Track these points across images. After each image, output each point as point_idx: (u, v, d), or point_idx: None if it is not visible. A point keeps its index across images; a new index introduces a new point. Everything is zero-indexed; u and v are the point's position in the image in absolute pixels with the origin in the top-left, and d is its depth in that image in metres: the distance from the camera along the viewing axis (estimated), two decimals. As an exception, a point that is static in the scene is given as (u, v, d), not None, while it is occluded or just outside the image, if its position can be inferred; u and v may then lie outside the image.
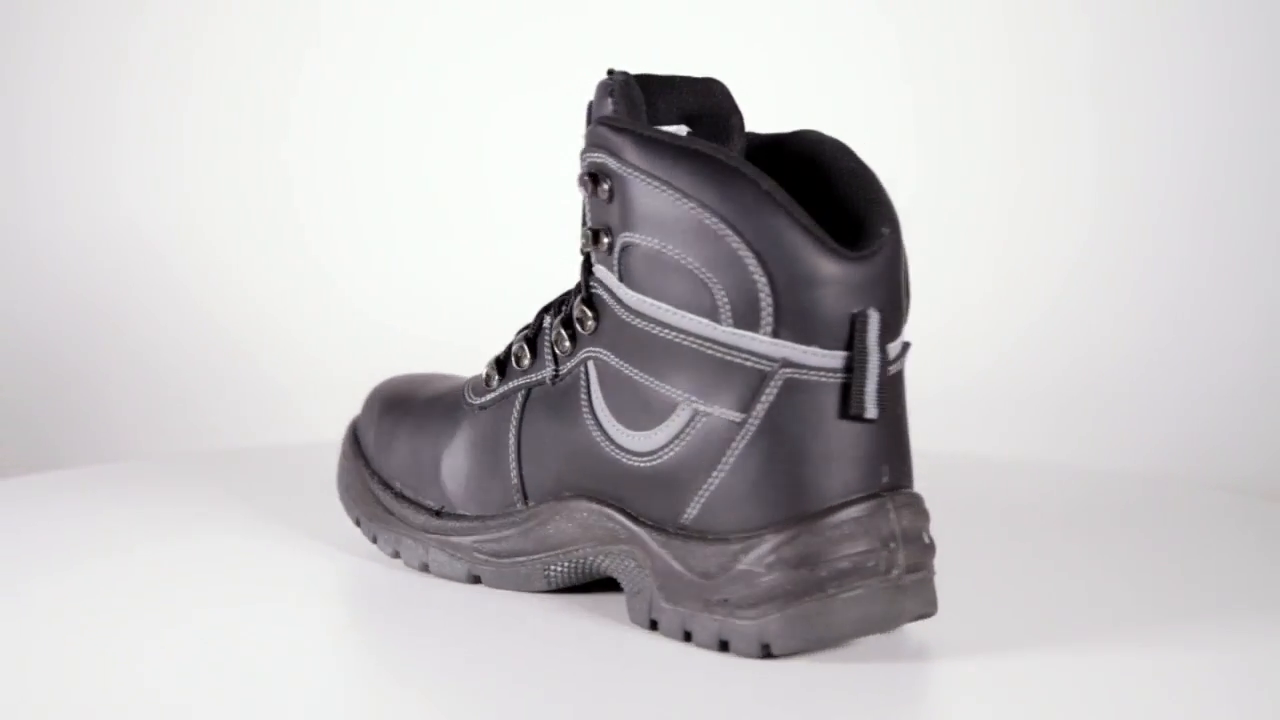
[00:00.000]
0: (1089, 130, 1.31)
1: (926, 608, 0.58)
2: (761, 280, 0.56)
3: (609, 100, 0.60)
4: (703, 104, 0.61)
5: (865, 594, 0.56)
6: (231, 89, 1.36)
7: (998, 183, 1.32)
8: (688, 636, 0.58)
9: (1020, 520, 0.82)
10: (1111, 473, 1.01)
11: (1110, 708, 0.55)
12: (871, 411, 0.56)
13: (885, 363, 0.56)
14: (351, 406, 0.76)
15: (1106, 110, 1.30)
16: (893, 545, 0.56)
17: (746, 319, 0.56)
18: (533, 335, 0.65)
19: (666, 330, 0.58)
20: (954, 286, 1.30)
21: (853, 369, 0.56)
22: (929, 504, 0.58)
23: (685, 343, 0.58)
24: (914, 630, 0.61)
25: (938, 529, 0.78)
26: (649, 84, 0.61)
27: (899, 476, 0.57)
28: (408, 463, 0.69)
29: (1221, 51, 1.28)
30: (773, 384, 0.56)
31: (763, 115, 1.34)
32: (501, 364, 0.66)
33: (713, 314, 0.57)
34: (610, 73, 0.61)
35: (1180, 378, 1.23)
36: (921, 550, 0.57)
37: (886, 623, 0.57)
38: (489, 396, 0.66)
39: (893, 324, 0.57)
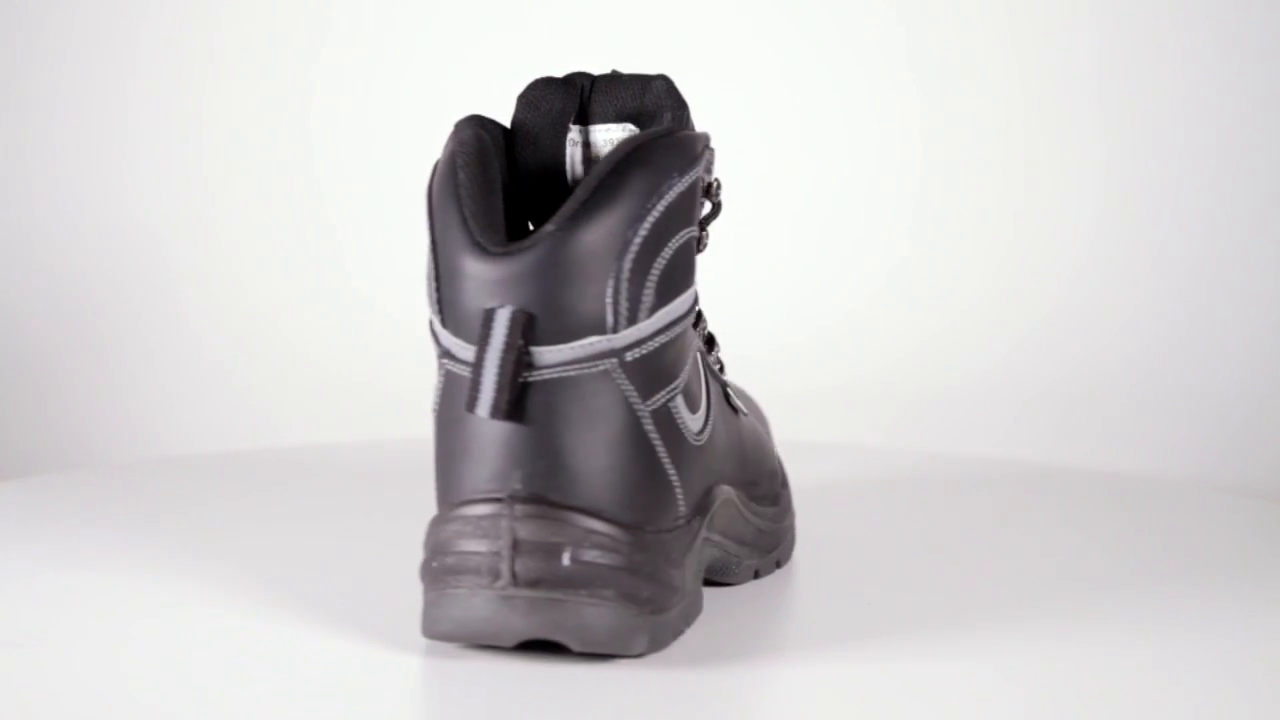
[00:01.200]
0: (1095, 131, 1.30)
1: (560, 634, 0.55)
2: (432, 270, 0.57)
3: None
4: (642, 102, 0.61)
5: (466, 596, 0.55)
6: (240, 90, 1.35)
7: (1003, 183, 1.32)
8: None
9: (1022, 521, 0.81)
10: (1116, 474, 1.01)
11: (1113, 709, 0.54)
12: (482, 411, 0.54)
13: (517, 363, 0.55)
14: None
15: (1113, 109, 1.30)
16: (500, 554, 0.55)
17: (434, 308, 0.58)
18: None
19: None
20: (958, 287, 1.30)
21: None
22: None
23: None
24: (914, 631, 0.61)
25: (938, 529, 0.78)
26: (598, 84, 0.61)
27: (545, 488, 0.55)
28: None
29: (1229, 51, 1.28)
30: (441, 374, 0.57)
31: (769, 113, 1.35)
32: None
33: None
34: (613, 73, 0.62)
35: (1185, 380, 1.23)
36: (556, 571, 0.54)
37: (498, 634, 0.55)
38: None
39: (549, 325, 0.55)
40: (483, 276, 0.55)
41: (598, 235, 0.55)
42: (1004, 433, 1.20)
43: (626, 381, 0.56)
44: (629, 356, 0.56)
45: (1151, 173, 1.29)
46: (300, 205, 1.34)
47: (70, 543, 0.73)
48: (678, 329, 0.58)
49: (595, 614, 0.55)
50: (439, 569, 0.56)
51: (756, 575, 0.68)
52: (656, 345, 0.57)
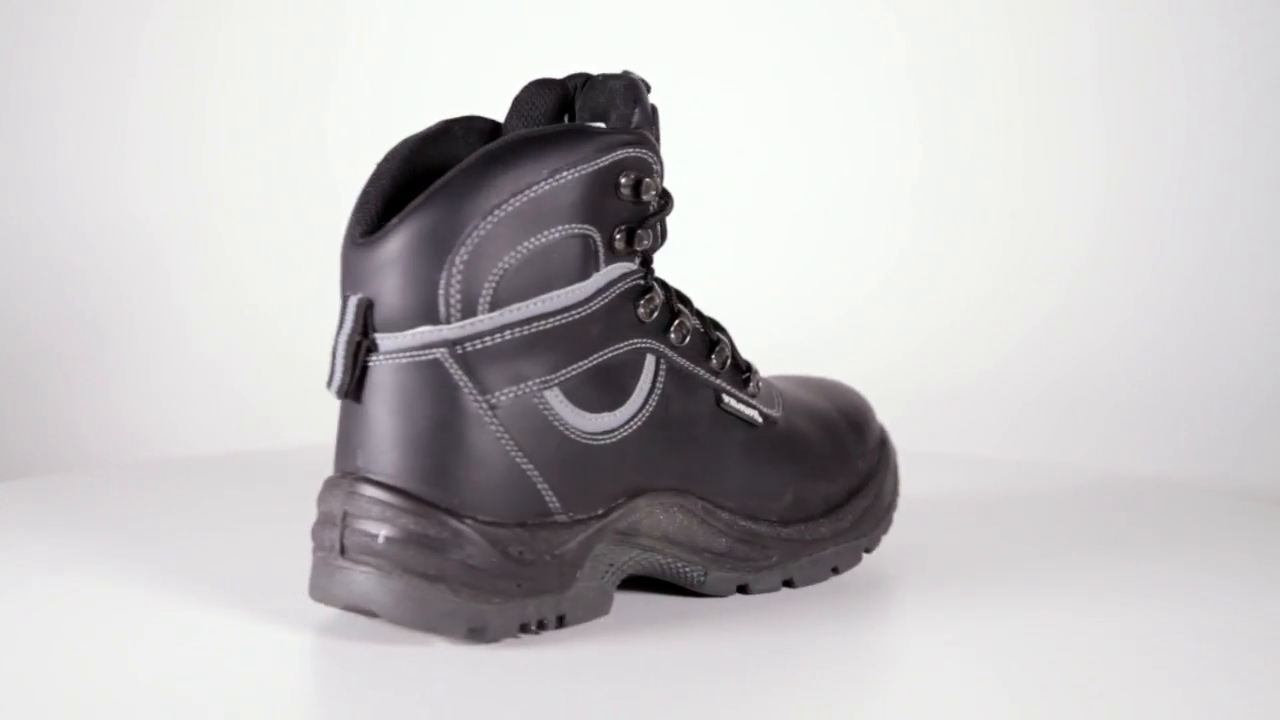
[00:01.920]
0: (1095, 131, 1.30)
1: (375, 607, 0.57)
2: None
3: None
4: (608, 101, 0.63)
5: (320, 563, 0.59)
6: (240, 91, 1.35)
7: (1003, 183, 1.32)
8: None
9: (1021, 522, 0.81)
10: (1116, 475, 1.00)
11: (1112, 707, 0.54)
12: (332, 391, 0.58)
13: (358, 348, 0.58)
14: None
15: (1113, 109, 1.30)
16: (337, 526, 0.58)
17: None
18: None
19: None
20: (958, 287, 1.30)
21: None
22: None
23: None
24: (917, 631, 0.61)
25: (937, 529, 0.78)
26: (583, 85, 0.63)
27: (375, 468, 0.58)
28: None
29: (1230, 51, 1.28)
30: None
31: (769, 113, 1.35)
32: None
33: None
34: (623, 73, 0.63)
35: (1185, 380, 1.23)
36: (372, 546, 0.57)
37: (329, 598, 0.58)
38: None
39: (386, 313, 0.57)
40: (346, 264, 0.58)
41: (432, 229, 0.57)
42: (1004, 433, 1.20)
43: (461, 372, 0.58)
44: (466, 348, 0.58)
45: (1152, 173, 1.29)
46: (299, 205, 1.34)
47: (67, 544, 0.73)
48: (545, 325, 0.59)
49: (404, 591, 0.57)
50: (314, 538, 0.59)
51: (743, 590, 0.66)
52: (505, 339, 0.58)
